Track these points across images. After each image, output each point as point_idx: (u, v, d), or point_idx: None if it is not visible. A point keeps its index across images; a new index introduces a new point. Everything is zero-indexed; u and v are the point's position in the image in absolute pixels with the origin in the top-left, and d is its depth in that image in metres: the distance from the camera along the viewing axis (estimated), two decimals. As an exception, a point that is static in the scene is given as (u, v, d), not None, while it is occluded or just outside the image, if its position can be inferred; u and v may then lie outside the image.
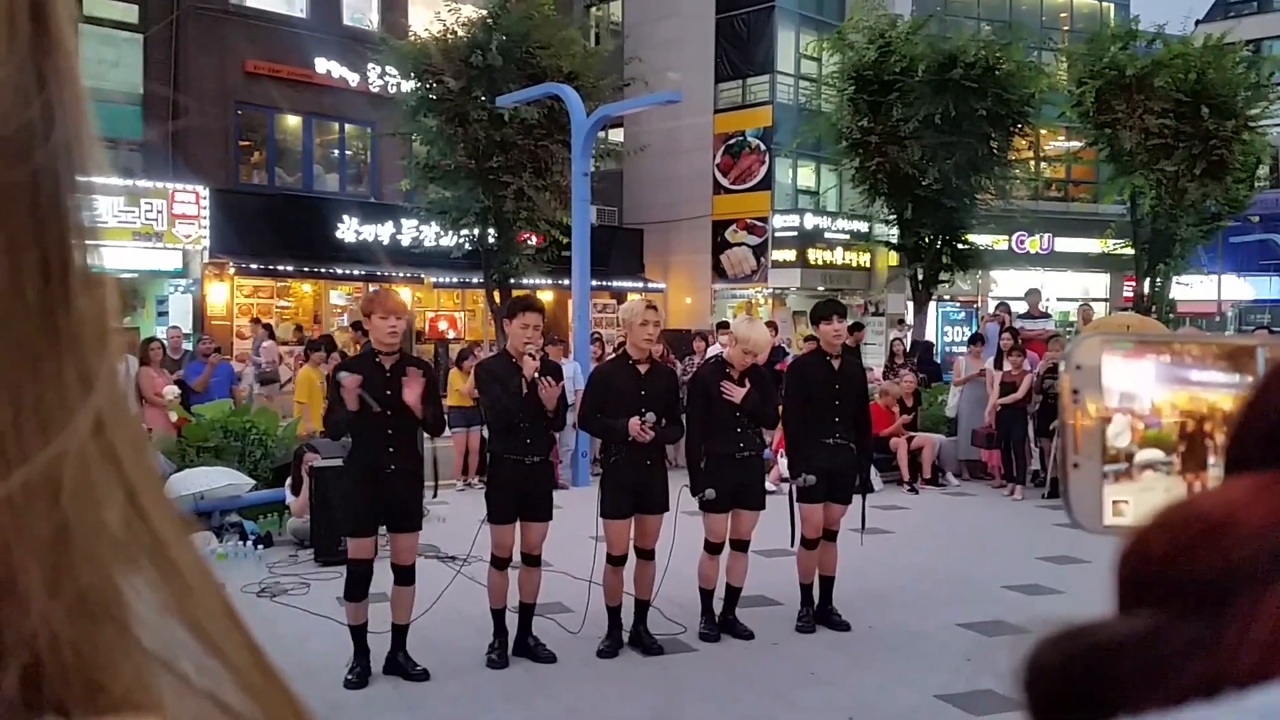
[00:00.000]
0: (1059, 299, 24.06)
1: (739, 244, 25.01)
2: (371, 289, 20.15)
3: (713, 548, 6.08)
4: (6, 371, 0.27)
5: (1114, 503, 0.51)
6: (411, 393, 5.13)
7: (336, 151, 21.69)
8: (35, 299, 0.28)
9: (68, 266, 0.29)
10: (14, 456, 0.27)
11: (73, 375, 0.28)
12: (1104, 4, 28.40)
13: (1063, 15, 28.27)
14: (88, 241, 0.30)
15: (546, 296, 20.62)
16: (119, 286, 0.31)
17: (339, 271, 19.53)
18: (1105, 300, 25.93)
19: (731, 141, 25.22)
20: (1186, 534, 0.31)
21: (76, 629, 0.28)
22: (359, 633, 5.30)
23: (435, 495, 5.96)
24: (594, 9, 27.27)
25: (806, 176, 25.92)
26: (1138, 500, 0.51)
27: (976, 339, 12.97)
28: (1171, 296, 17.66)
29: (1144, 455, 0.51)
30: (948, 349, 20.54)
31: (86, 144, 0.30)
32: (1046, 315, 15.31)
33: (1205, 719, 0.27)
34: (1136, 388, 0.51)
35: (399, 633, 5.39)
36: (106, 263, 0.30)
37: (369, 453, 5.25)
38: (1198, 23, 26.46)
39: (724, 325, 13.58)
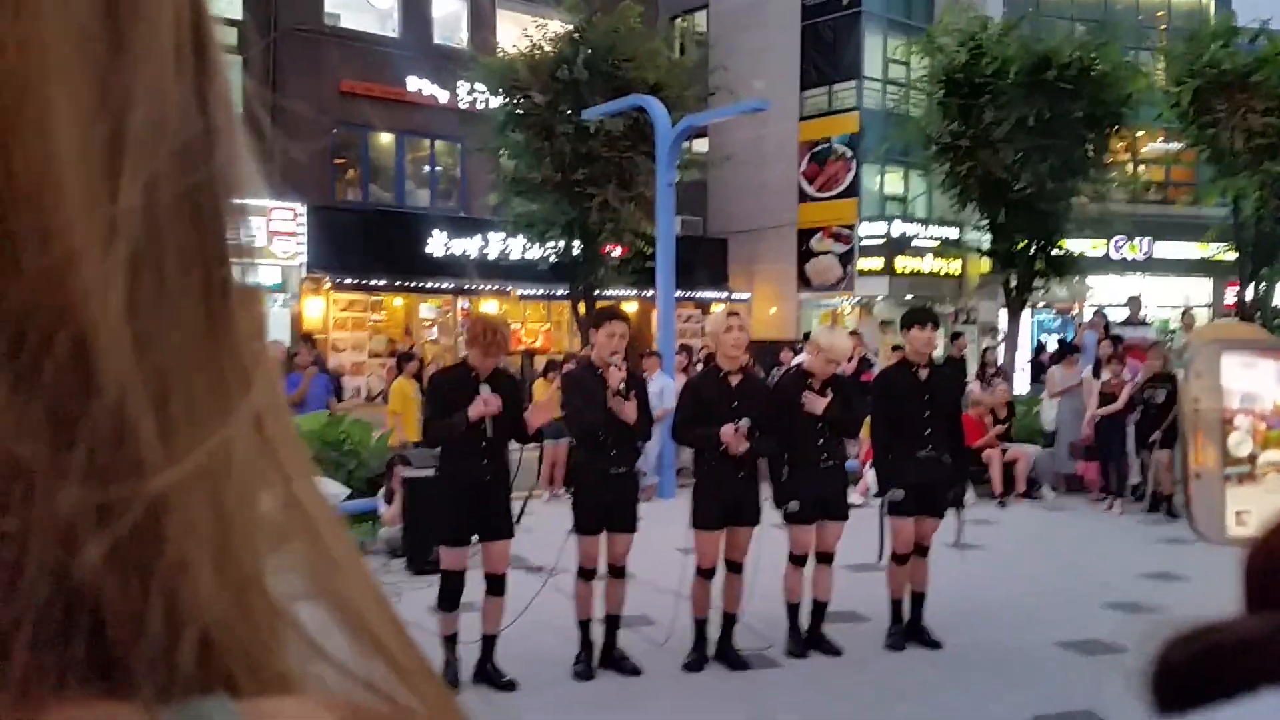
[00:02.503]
0: (1158, 305, 23.31)
1: (824, 252, 24.78)
2: (461, 303, 20.59)
3: (797, 560, 6.03)
4: (177, 369, 0.29)
5: (1237, 513, 0.51)
6: (483, 408, 5.22)
7: (427, 167, 22.12)
8: (198, 303, 0.30)
9: (227, 278, 0.31)
10: (186, 444, 0.29)
11: (235, 376, 0.31)
12: (1204, 0, 27.48)
13: (1160, 13, 27.42)
14: (244, 256, 0.32)
15: (631, 307, 20.73)
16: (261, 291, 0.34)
17: (429, 285, 19.91)
18: (1208, 306, 25.04)
19: (817, 148, 25.03)
20: None
21: (239, 607, 0.30)
22: (450, 642, 5.38)
23: (525, 506, 6.03)
24: (679, 20, 27.36)
25: (894, 183, 25.57)
26: (1261, 506, 0.50)
27: (1070, 349, 12.63)
28: (1276, 303, 16.98)
29: (1268, 456, 0.50)
30: (1032, 360, 20.04)
31: (243, 166, 0.32)
32: (1146, 323, 14.86)
33: None
34: (1258, 389, 0.50)
35: (489, 642, 5.46)
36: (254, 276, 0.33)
37: (463, 464, 5.34)
38: (1306, 16, 25.41)
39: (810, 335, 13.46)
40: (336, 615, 0.32)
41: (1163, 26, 26.15)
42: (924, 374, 6.17)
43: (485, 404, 5.18)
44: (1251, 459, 0.51)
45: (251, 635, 0.30)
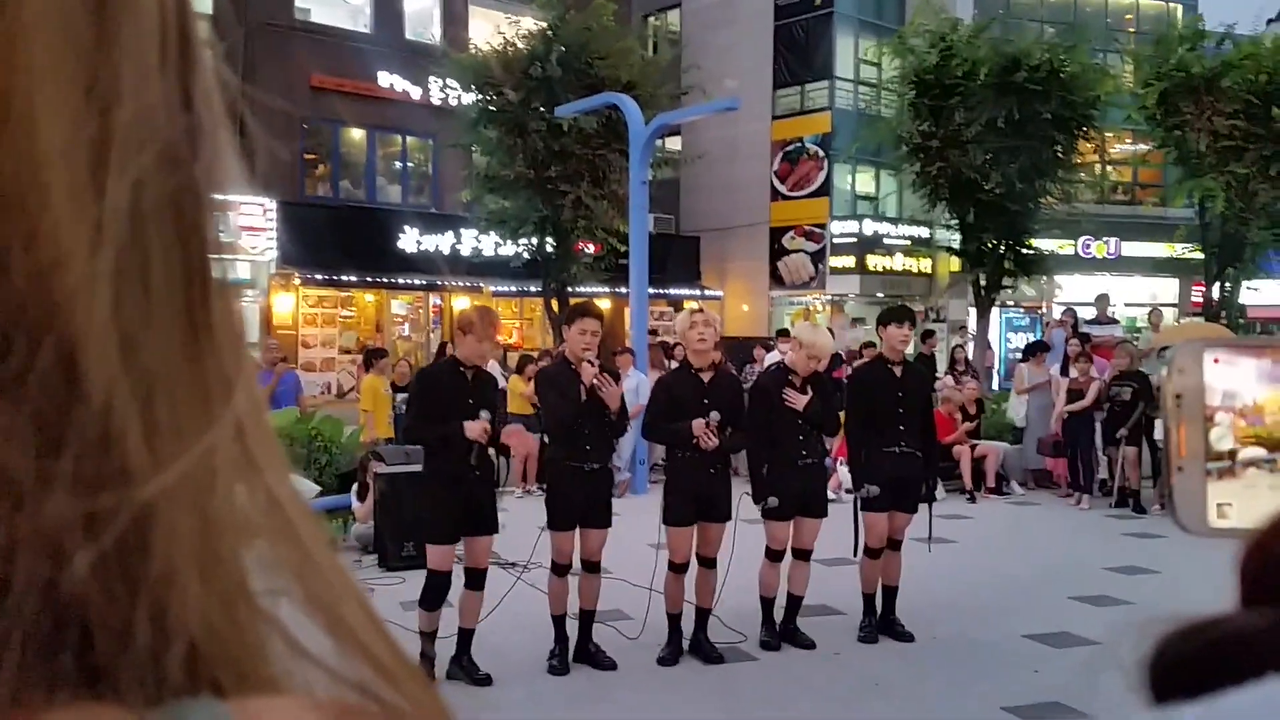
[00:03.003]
0: (1126, 304, 23.58)
1: (797, 251, 24.89)
2: (433, 299, 20.52)
3: (774, 555, 6.06)
4: (159, 372, 0.28)
5: (1218, 505, 0.52)
6: (475, 429, 5.26)
7: (399, 163, 22.01)
8: (181, 305, 0.29)
9: (208, 278, 0.30)
10: (169, 452, 0.28)
11: (216, 378, 0.30)
12: (1171, 4, 27.82)
13: (1128, 16, 27.75)
14: (224, 256, 0.32)
15: (604, 305, 20.70)
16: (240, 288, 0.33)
17: (400, 281, 19.81)
18: (1174, 305, 25.36)
19: (789, 148, 25.13)
20: None
21: (227, 614, 0.29)
22: (427, 640, 5.36)
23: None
24: (652, 19, 27.37)
25: (865, 182, 25.72)
26: (1241, 500, 0.52)
27: (1036, 348, 12.76)
28: (1241, 301, 17.23)
29: (1247, 453, 0.52)
30: (1011, 355, 20.24)
31: (226, 163, 0.31)
32: (1114, 321, 15.03)
33: None
34: (1238, 387, 0.52)
35: (465, 637, 5.45)
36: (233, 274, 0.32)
37: (453, 460, 5.33)
38: (1269, 22, 25.79)
39: (784, 333, 13.52)
40: (319, 617, 0.32)
41: (1131, 29, 26.46)
42: (898, 371, 6.23)
43: (482, 430, 5.23)
44: (1231, 454, 0.53)
45: (238, 640, 0.30)
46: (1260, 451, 0.52)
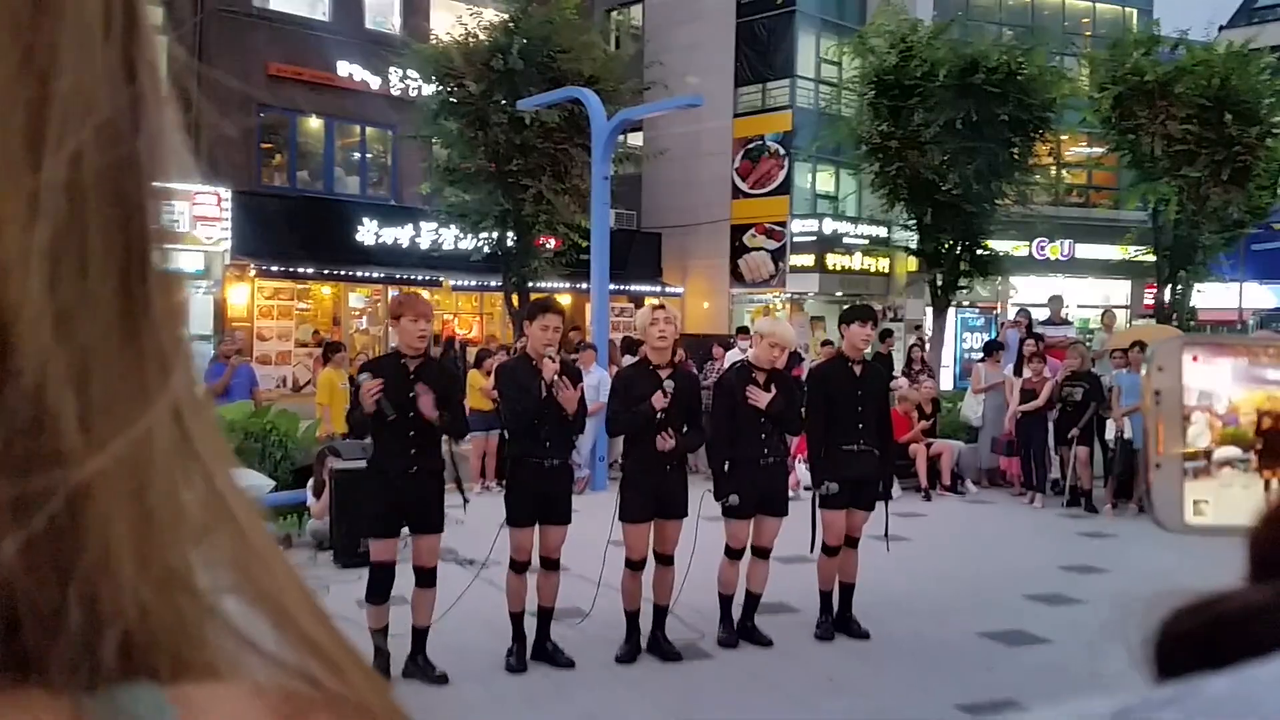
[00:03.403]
0: (1079, 305, 23.92)
1: (757, 249, 24.98)
2: (391, 292, 20.32)
3: (733, 553, 6.06)
4: (95, 352, 0.28)
5: (1195, 502, 0.52)
6: (425, 405, 5.16)
7: (357, 154, 21.78)
8: (119, 284, 0.29)
9: (148, 257, 0.30)
10: (105, 434, 0.28)
11: (153, 363, 0.29)
12: (1126, 9, 28.22)
13: (1085, 20, 28.13)
14: (164, 241, 0.30)
15: (565, 300, 20.61)
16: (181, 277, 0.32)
17: (359, 274, 19.61)
18: (1126, 307, 25.77)
19: (751, 146, 25.20)
20: None
21: (164, 601, 0.29)
22: (379, 636, 5.31)
23: (466, 501, 5.98)
24: (614, 13, 27.31)
25: (825, 181, 25.86)
26: (1218, 498, 0.52)
27: (994, 347, 12.91)
28: (1192, 304, 17.54)
29: (1222, 453, 0.52)
30: (966, 355, 20.47)
31: (169, 142, 0.30)
32: (1068, 322, 15.23)
33: None
34: (1215, 387, 0.52)
35: (419, 635, 5.40)
36: (174, 262, 0.31)
37: (391, 455, 5.27)
38: (1221, 28, 26.27)
39: (744, 330, 13.57)
40: (261, 608, 0.31)
41: (1087, 33, 26.82)
42: (858, 369, 6.25)
43: (369, 391, 5.06)
44: (1208, 453, 0.53)
45: (177, 628, 0.29)
46: (1235, 450, 0.52)
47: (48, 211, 0.26)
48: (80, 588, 0.27)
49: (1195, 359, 0.52)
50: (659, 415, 5.59)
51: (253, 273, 18.58)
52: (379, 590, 5.28)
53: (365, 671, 0.33)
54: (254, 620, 0.31)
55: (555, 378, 5.43)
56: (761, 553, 6.10)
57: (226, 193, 17.90)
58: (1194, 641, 0.32)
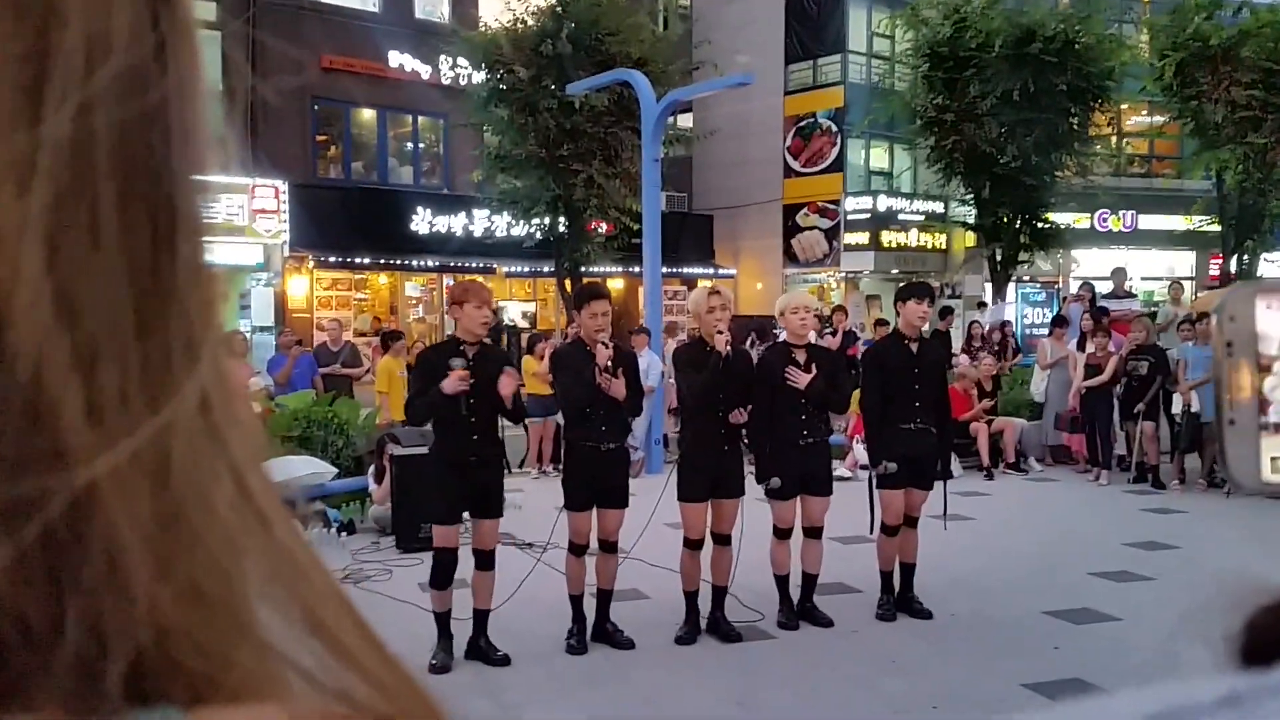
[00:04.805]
0: (1143, 278, 23.39)
1: (810, 228, 24.77)
2: (446, 280, 20.50)
3: (782, 534, 6.03)
4: (110, 338, 0.25)
5: (1273, 459, 0.49)
6: (507, 387, 5.25)
7: (410, 144, 21.97)
8: (142, 256, 0.25)
9: (175, 229, 0.26)
10: (120, 426, 0.24)
11: (180, 344, 0.26)
12: (1188, -28, 27.46)
13: (1144, -15, 27.41)
14: (201, 224, 0.28)
15: (617, 284, 20.68)
16: (224, 274, 0.29)
17: (414, 263, 19.82)
18: (1191, 279, 25.17)
19: (802, 123, 24.96)
20: None
21: (187, 617, 0.26)
22: (443, 619, 5.38)
23: (509, 472, 6.03)
24: (662, -6, 27.16)
25: (879, 157, 25.54)
26: None
27: (1059, 321, 12.67)
28: (1260, 274, 17.07)
29: None
30: (1028, 331, 20.13)
31: (199, 95, 0.27)
32: (1132, 295, 14.90)
33: None
34: None
35: (480, 618, 5.46)
36: (211, 253, 0.28)
37: (453, 443, 5.33)
38: (1289, -12, 25.45)
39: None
40: (297, 621, 0.28)
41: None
42: (915, 347, 6.17)
43: (459, 379, 5.11)
44: None
45: (201, 646, 0.26)
46: None
47: (47, 172, 0.23)
48: (81, 605, 0.24)
49: (1270, 306, 0.49)
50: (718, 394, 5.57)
51: (311, 264, 18.86)
52: (442, 575, 5.35)
53: (411, 687, 0.30)
54: (289, 634, 0.28)
55: (604, 369, 5.43)
56: (813, 532, 6.06)
57: (284, 185, 18.16)
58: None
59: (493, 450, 5.52)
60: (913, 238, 24.63)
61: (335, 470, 8.82)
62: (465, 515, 5.53)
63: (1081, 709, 0.28)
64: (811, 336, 6.53)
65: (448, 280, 20.55)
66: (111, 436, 0.24)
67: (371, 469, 8.67)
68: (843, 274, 24.52)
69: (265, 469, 0.29)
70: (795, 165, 25.11)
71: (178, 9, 0.26)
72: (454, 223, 20.27)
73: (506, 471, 6.14)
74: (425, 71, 20.71)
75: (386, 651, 0.30)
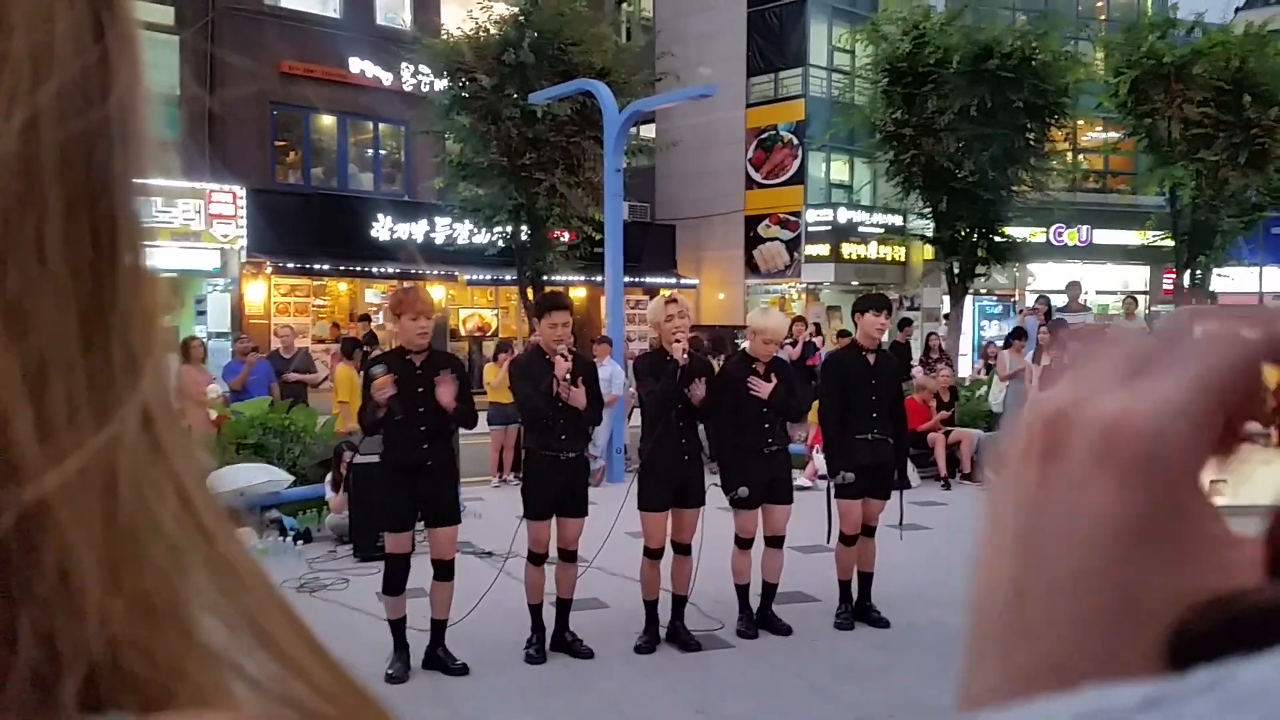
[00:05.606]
0: (1098, 291, 23.77)
1: (772, 239, 24.91)
2: (405, 286, 20.38)
3: (744, 543, 6.05)
4: (57, 353, 0.24)
5: (1210, 483, 0.50)
6: (446, 394, 5.18)
7: (371, 151, 21.83)
8: (86, 270, 0.25)
9: (116, 240, 0.26)
10: (68, 441, 0.24)
11: (121, 362, 0.26)
12: (1142, -8, 28.00)
13: (1099, 4, 27.90)
14: (140, 231, 0.27)
15: (579, 293, 20.68)
16: (168, 281, 0.29)
17: (374, 270, 19.68)
18: (1145, 293, 25.60)
19: (764, 136, 25.12)
20: None
21: (137, 628, 0.26)
22: (398, 627, 5.34)
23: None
24: (625, 4, 27.24)
25: (840, 170, 25.77)
26: (1235, 477, 0.50)
27: (1018, 333, 12.84)
28: (1212, 288, 17.41)
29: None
30: (984, 343, 20.38)
31: (142, 108, 0.26)
32: (1086, 308, 15.14)
33: None
34: None
35: (438, 628, 5.42)
36: (151, 258, 0.28)
37: (403, 449, 5.29)
38: (1237, 10, 26.04)
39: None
40: (241, 629, 0.28)
41: (1102, 17, 26.62)
42: (872, 358, 6.22)
43: (379, 386, 5.06)
44: None
45: (152, 656, 0.26)
46: (1254, 426, 0.50)
47: None
48: (34, 617, 0.24)
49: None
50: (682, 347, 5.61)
51: (269, 270, 18.66)
52: (395, 582, 5.31)
53: (357, 694, 0.30)
54: (235, 644, 0.28)
55: (563, 380, 5.42)
56: (775, 541, 6.08)
57: (241, 190, 17.98)
58: (1209, 643, 0.32)
59: (445, 456, 5.46)
60: (872, 250, 24.85)
61: (291, 478, 8.73)
62: (420, 524, 5.48)
63: (1007, 715, 0.28)
64: None
65: (405, 287, 20.44)
66: (61, 452, 0.24)
67: (329, 477, 8.58)
68: (804, 285, 24.68)
69: (208, 482, 0.29)
70: (757, 177, 25.26)
71: (120, 15, 0.26)
72: (415, 230, 20.16)
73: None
74: (387, 78, 20.61)
75: (332, 659, 0.30)
